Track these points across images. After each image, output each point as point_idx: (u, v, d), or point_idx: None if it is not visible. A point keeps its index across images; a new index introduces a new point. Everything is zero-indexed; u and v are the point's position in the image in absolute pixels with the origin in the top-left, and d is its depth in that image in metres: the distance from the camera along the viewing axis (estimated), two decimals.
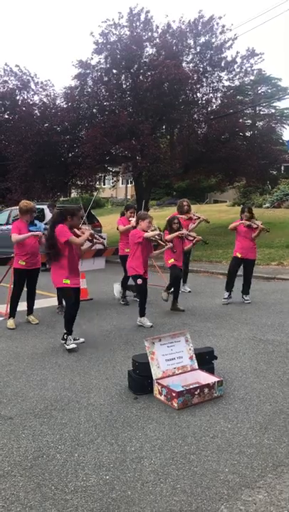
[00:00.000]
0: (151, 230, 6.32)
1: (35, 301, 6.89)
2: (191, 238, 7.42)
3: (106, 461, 2.98)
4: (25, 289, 6.67)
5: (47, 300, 8.03)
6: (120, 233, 7.82)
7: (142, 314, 6.32)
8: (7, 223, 15.09)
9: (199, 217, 8.49)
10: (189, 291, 8.66)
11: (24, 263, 6.41)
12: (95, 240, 5.87)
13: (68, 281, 5.33)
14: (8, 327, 6.39)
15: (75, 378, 4.43)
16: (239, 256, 7.70)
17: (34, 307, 6.85)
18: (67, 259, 5.31)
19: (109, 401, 3.90)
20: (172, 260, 7.11)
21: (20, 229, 6.35)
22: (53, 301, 7.55)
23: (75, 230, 5.46)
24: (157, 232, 6.35)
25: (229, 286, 7.74)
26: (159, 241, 6.35)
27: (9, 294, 6.96)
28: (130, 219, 7.58)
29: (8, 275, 7.29)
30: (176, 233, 7.05)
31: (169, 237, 6.93)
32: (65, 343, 5.36)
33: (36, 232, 6.40)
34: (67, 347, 5.29)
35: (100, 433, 3.34)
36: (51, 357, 5.11)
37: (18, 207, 6.67)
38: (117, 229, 7.88)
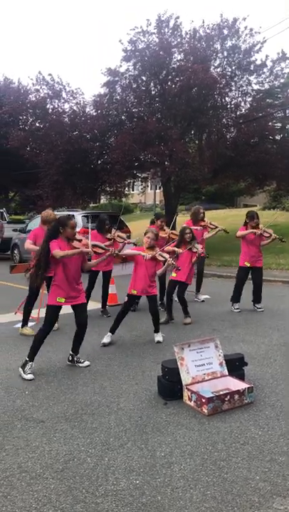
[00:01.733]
0: (151, 247, 5.89)
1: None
2: (195, 251, 6.88)
3: (136, 465, 2.99)
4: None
5: None
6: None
7: (111, 330, 5.93)
8: None
9: (216, 227, 8.30)
10: (202, 301, 8.60)
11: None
12: (94, 250, 5.31)
13: (63, 300, 4.84)
14: (25, 334, 6.52)
15: (105, 383, 4.48)
16: (248, 265, 7.49)
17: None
18: (61, 274, 4.81)
19: (138, 406, 3.92)
20: (174, 274, 6.81)
21: (37, 237, 6.43)
22: None
23: (76, 241, 4.92)
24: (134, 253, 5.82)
25: (238, 298, 7.58)
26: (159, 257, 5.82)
27: (41, 300, 7.10)
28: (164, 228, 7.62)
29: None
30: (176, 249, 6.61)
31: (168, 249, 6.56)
32: (23, 368, 4.78)
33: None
34: (24, 376, 4.68)
35: (130, 438, 3.36)
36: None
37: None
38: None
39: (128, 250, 5.84)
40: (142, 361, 5.11)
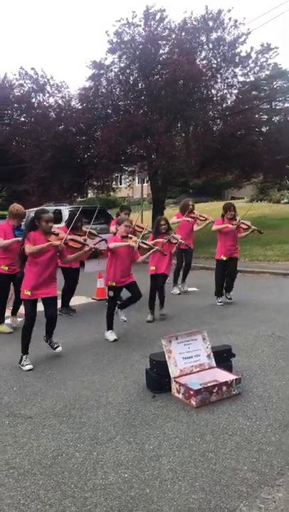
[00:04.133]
0: (127, 236, 5.77)
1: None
2: (174, 241, 6.63)
3: (124, 459, 2.99)
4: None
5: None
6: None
7: (109, 327, 5.87)
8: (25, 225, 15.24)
9: (206, 219, 8.31)
10: (186, 291, 8.60)
11: (7, 268, 6.23)
12: (70, 244, 5.22)
13: (29, 293, 4.84)
14: (2, 331, 6.34)
15: (94, 377, 4.47)
16: (224, 258, 7.49)
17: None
18: (34, 267, 4.85)
19: (127, 399, 3.92)
20: (153, 268, 6.65)
21: (6, 233, 6.20)
22: (72, 302, 7.60)
23: (52, 235, 4.91)
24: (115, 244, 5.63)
25: (221, 292, 7.57)
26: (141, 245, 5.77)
27: None
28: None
29: None
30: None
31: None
32: (20, 363, 4.90)
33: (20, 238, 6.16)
34: (23, 368, 4.80)
35: (119, 431, 3.36)
36: (70, 356, 5.15)
37: (9, 209, 6.44)
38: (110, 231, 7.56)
39: (115, 243, 5.69)
40: (130, 355, 5.10)
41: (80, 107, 15.79)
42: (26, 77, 17.59)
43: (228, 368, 4.26)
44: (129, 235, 5.83)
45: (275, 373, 4.36)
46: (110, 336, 5.79)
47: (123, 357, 5.04)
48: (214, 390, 3.79)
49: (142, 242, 5.80)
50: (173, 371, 4.03)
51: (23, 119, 20.26)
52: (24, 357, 4.88)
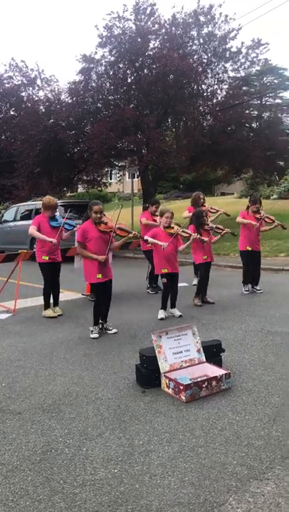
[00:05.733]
0: (169, 226, 6.27)
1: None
2: (219, 231, 7.11)
3: (114, 454, 2.98)
4: None
5: None
6: (143, 227, 7.91)
7: (164, 307, 6.44)
8: (14, 219, 15.19)
9: (218, 211, 8.37)
10: (195, 285, 8.64)
11: (47, 258, 6.69)
12: (117, 233, 5.70)
13: (100, 276, 5.55)
14: (47, 316, 6.76)
15: (83, 373, 4.45)
16: (249, 249, 7.68)
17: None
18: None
19: (117, 395, 3.91)
20: (205, 257, 7.02)
21: (40, 223, 6.62)
22: (61, 296, 7.56)
23: (102, 224, 5.51)
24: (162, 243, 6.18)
25: (248, 280, 7.82)
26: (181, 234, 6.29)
27: (17, 291, 7.02)
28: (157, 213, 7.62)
29: (15, 271, 7.33)
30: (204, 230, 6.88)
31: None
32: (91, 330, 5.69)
33: (53, 240, 6.54)
34: (92, 335, 5.60)
35: (108, 427, 3.35)
36: (59, 352, 5.13)
37: (41, 201, 6.98)
38: (140, 222, 8.00)
39: (150, 239, 6.22)
40: (120, 350, 5.09)
41: (69, 101, 15.69)
42: (16, 69, 17.43)
43: (218, 363, 4.27)
44: (172, 225, 6.27)
45: (264, 368, 4.38)
46: (161, 314, 6.35)
47: (113, 352, 5.03)
48: (204, 385, 3.80)
49: (183, 231, 6.26)
50: (163, 366, 4.02)
51: (12, 113, 20.08)
52: (95, 328, 5.64)
